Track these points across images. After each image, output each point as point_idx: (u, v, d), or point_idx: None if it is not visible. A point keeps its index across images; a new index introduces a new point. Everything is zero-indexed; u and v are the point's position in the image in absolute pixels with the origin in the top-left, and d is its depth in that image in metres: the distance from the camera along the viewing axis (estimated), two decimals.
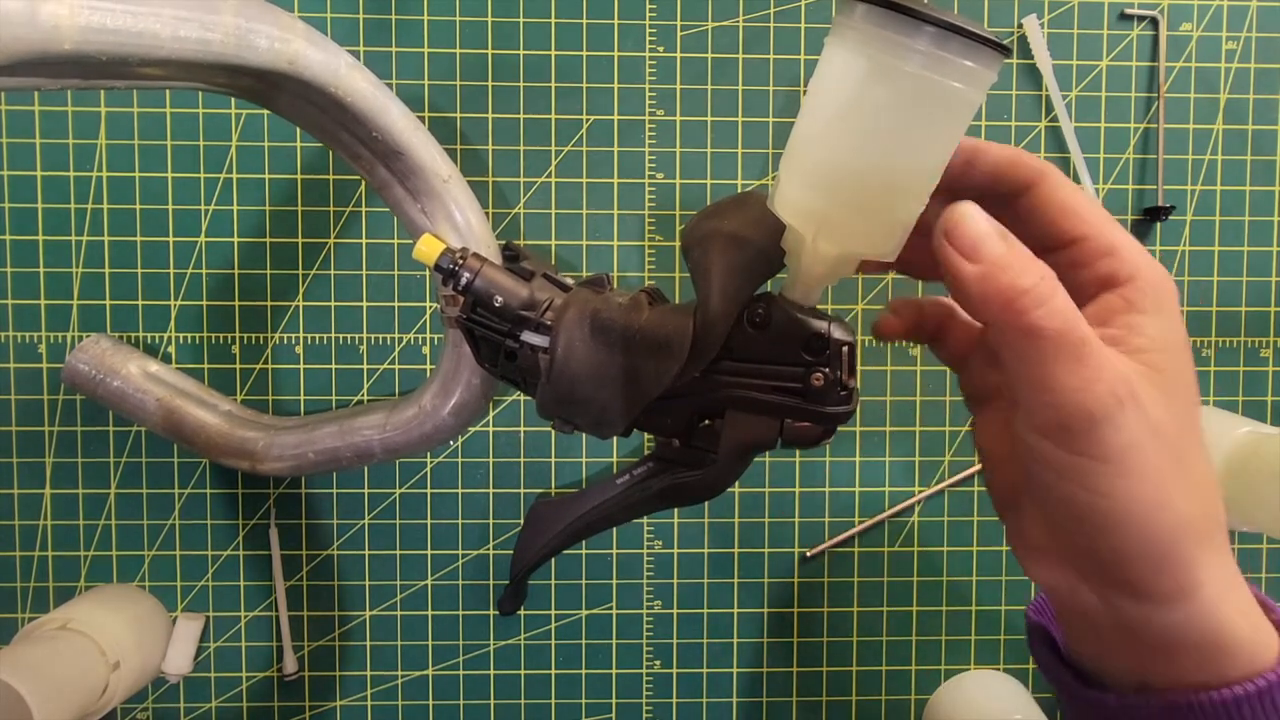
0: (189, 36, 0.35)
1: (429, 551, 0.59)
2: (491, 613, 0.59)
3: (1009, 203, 0.29)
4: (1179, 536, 0.25)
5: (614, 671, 0.59)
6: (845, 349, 0.32)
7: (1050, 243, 0.28)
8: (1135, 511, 0.25)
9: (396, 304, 0.58)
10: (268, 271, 0.58)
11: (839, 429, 0.34)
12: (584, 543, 0.58)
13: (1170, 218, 0.59)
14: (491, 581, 0.59)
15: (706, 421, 0.36)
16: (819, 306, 0.33)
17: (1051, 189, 0.28)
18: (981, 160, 0.30)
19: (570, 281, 0.38)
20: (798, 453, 0.60)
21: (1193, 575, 0.25)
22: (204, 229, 0.57)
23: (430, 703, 0.59)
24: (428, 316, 0.58)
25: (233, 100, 0.57)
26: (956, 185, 0.30)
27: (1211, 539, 0.26)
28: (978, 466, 0.59)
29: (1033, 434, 0.26)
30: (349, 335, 0.58)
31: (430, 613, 0.59)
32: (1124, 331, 0.26)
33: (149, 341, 0.57)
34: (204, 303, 0.57)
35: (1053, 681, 0.30)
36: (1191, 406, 0.26)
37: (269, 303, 0.58)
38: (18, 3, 0.29)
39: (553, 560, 0.51)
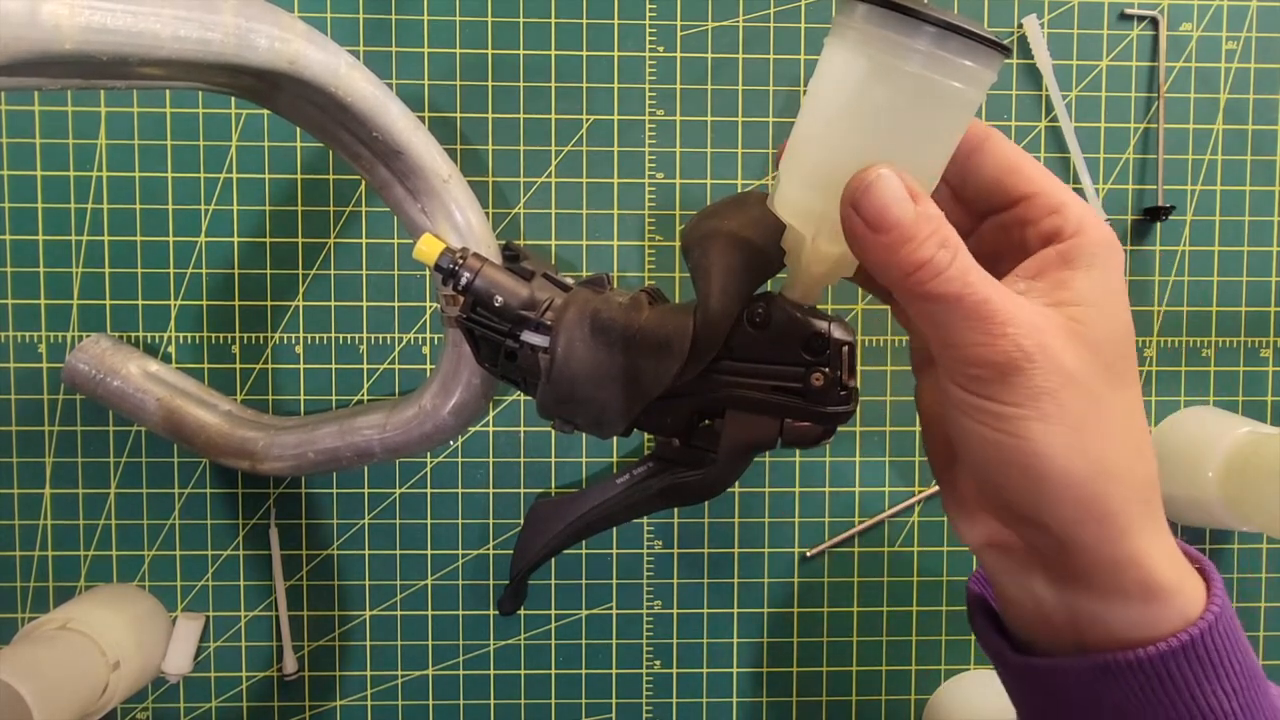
0: (189, 36, 0.35)
1: (429, 551, 0.59)
2: (491, 613, 0.59)
3: (958, 160, 0.30)
4: (1099, 482, 0.25)
5: (614, 671, 0.59)
6: (845, 349, 0.32)
7: (1000, 201, 0.29)
8: (1051, 454, 0.25)
9: (396, 304, 0.58)
10: (268, 271, 0.58)
11: (839, 429, 0.34)
12: (584, 543, 0.58)
13: (1170, 218, 0.59)
14: (491, 581, 0.59)
15: (706, 421, 0.36)
16: (819, 306, 0.33)
17: (997, 151, 0.29)
18: None
19: (570, 281, 0.38)
20: (798, 453, 0.60)
21: (1115, 522, 0.26)
22: (204, 229, 0.57)
23: (430, 703, 0.59)
24: (428, 316, 0.58)
25: (233, 100, 0.57)
26: None
27: (1138, 491, 0.26)
28: None
29: (950, 385, 0.27)
30: (349, 335, 0.58)
31: (430, 613, 0.59)
32: (1052, 285, 0.27)
33: (149, 341, 0.57)
34: (204, 303, 0.58)
35: (987, 651, 0.31)
36: (1117, 360, 0.26)
37: (269, 303, 0.58)
38: (18, 3, 0.29)
39: (553, 560, 0.51)
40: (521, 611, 0.59)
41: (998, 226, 0.30)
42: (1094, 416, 0.25)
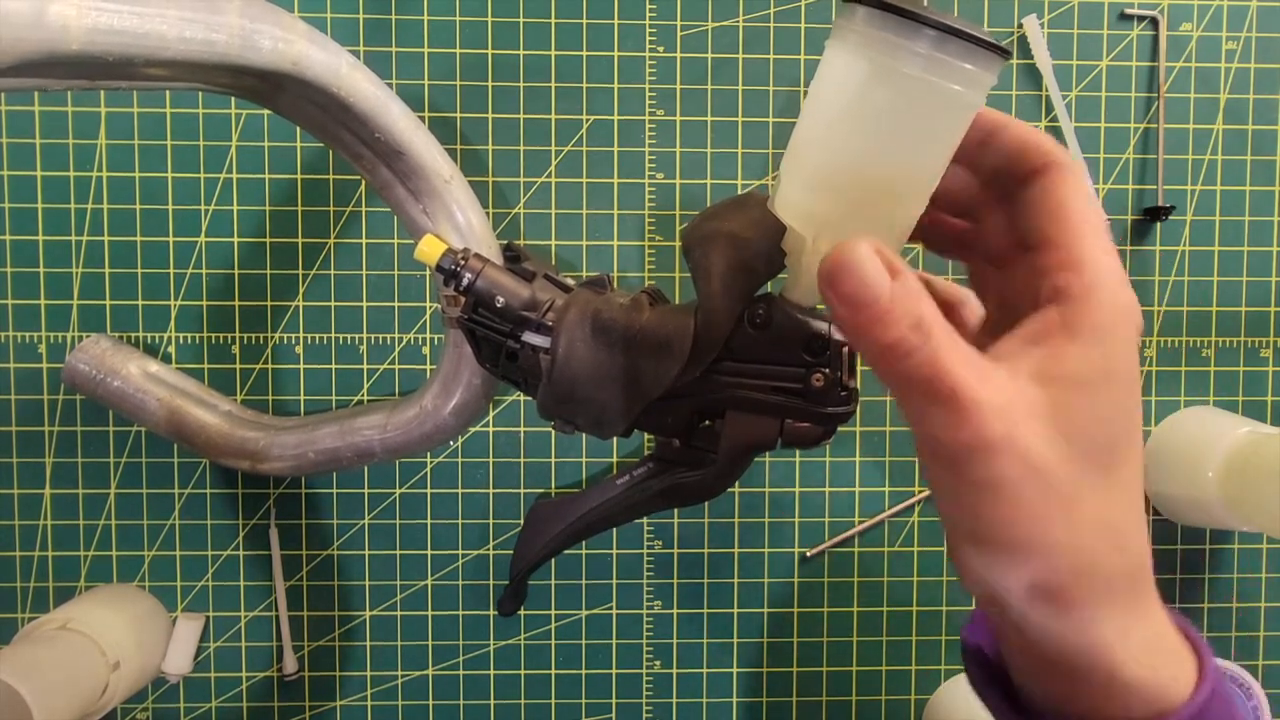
0: (194, 37, 0.35)
1: (429, 551, 0.59)
2: (491, 613, 0.59)
3: (1015, 189, 0.29)
4: (1059, 574, 0.24)
5: (614, 671, 0.59)
6: (845, 349, 0.32)
7: (1030, 240, 0.27)
8: (1006, 541, 0.24)
9: (396, 304, 0.58)
10: (268, 271, 0.58)
11: (839, 429, 0.34)
12: (584, 543, 0.58)
13: (1170, 218, 0.59)
14: (491, 581, 0.59)
15: (707, 422, 0.36)
16: (819, 307, 0.33)
17: (1051, 186, 0.27)
18: (998, 140, 0.29)
19: (571, 282, 0.38)
20: (798, 453, 0.60)
21: (1077, 612, 0.24)
22: (204, 229, 0.57)
23: (430, 703, 0.59)
24: (428, 316, 0.58)
25: (233, 100, 0.57)
26: (973, 160, 0.30)
27: (1111, 582, 0.25)
28: None
29: (919, 454, 0.26)
30: (349, 335, 0.58)
31: (430, 613, 0.59)
32: (1046, 356, 0.25)
33: (149, 341, 0.57)
34: (204, 303, 0.58)
35: (982, 701, 0.30)
36: (1103, 448, 0.24)
37: (269, 303, 0.58)
38: (25, 4, 0.29)
39: (553, 560, 0.51)
40: (521, 611, 0.59)
41: (1030, 269, 0.27)
42: (1059, 508, 0.24)
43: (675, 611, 0.60)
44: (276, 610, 0.58)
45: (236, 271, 0.58)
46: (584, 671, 0.59)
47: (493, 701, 0.59)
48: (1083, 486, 0.24)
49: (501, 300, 0.35)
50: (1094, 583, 0.24)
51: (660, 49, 0.58)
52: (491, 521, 0.59)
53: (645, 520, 0.59)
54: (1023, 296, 0.27)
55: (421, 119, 0.48)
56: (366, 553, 0.58)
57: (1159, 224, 0.60)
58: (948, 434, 0.24)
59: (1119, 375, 0.25)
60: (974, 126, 0.28)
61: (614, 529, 0.58)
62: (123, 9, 0.32)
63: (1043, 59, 0.58)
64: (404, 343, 0.58)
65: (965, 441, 0.24)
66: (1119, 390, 0.25)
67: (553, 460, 0.59)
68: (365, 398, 0.58)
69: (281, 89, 0.42)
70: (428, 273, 0.58)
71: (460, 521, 0.59)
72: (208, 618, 0.58)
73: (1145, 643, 0.25)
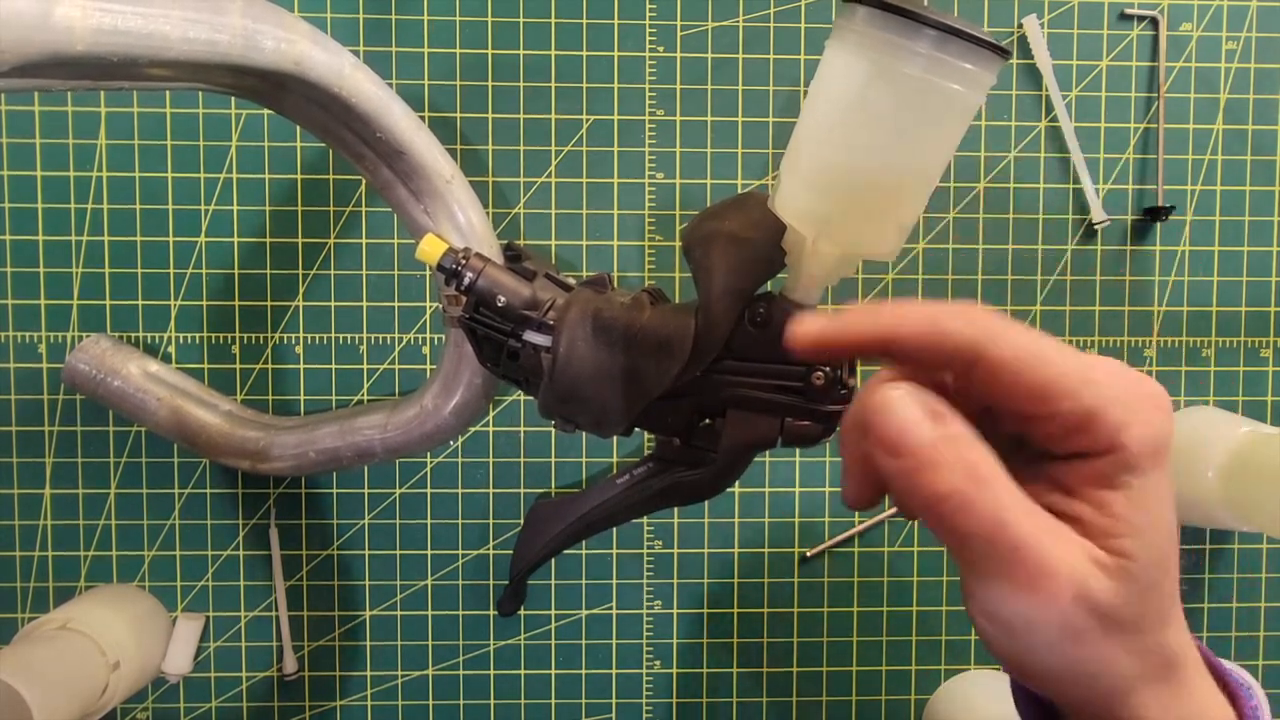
0: (198, 38, 0.35)
1: (429, 551, 0.59)
2: (491, 613, 0.59)
3: (961, 382, 0.25)
4: (1126, 699, 0.24)
5: (614, 671, 0.59)
6: None
7: (1019, 416, 0.24)
8: (1070, 685, 0.24)
9: (396, 304, 0.58)
10: (268, 271, 0.58)
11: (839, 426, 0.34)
12: (584, 543, 0.58)
13: (1170, 218, 0.59)
14: (491, 581, 0.59)
15: (707, 421, 0.36)
16: (819, 306, 0.33)
17: (993, 366, 0.23)
18: (899, 348, 0.25)
19: (572, 281, 0.38)
20: (798, 452, 0.60)
21: (1120, 704, 0.24)
22: (204, 229, 0.57)
23: (430, 703, 0.59)
24: (428, 316, 0.58)
25: (233, 100, 0.57)
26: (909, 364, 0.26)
27: (1145, 676, 0.24)
28: None
29: (974, 610, 0.24)
30: (349, 335, 0.58)
31: (430, 613, 0.59)
32: (1091, 508, 0.23)
33: (149, 341, 0.57)
34: (204, 303, 0.57)
35: None
36: (1161, 580, 0.23)
37: (269, 303, 0.58)
38: (31, 5, 0.29)
39: (553, 560, 0.51)
40: (521, 611, 0.59)
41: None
42: (1117, 642, 0.23)
43: (675, 611, 0.60)
44: (276, 610, 0.58)
45: (236, 271, 0.57)
46: (584, 671, 0.59)
47: (493, 701, 0.59)
48: (1142, 618, 0.23)
49: (503, 299, 0.35)
50: (1135, 681, 0.24)
51: (660, 49, 0.58)
52: (491, 521, 0.59)
53: (645, 520, 0.59)
54: (1012, 442, 0.25)
55: (422, 119, 0.48)
56: (366, 553, 0.58)
57: (1159, 224, 0.60)
58: (1014, 602, 0.23)
59: (1163, 505, 0.23)
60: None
61: (614, 529, 0.58)
62: (127, 10, 0.32)
63: (1043, 59, 0.58)
64: (404, 343, 0.58)
65: (1033, 604, 0.22)
66: (1166, 520, 0.23)
67: (553, 460, 0.59)
68: (365, 398, 0.58)
69: (284, 89, 0.42)
70: (428, 273, 0.58)
71: (460, 521, 0.59)
72: (208, 618, 0.58)
73: (1187, 715, 0.25)
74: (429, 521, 0.59)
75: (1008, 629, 0.23)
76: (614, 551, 0.59)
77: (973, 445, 0.23)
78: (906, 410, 0.23)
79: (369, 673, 0.59)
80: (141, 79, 0.36)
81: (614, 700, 0.59)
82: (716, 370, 0.33)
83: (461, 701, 0.59)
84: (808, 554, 0.59)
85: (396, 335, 0.58)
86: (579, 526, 0.40)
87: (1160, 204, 0.59)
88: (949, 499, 0.22)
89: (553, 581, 0.59)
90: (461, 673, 0.59)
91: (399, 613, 0.59)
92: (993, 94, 0.58)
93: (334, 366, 0.58)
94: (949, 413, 0.24)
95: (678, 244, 0.58)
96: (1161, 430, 0.23)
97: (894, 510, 0.59)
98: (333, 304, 0.58)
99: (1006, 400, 0.24)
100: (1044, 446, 0.24)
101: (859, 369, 0.44)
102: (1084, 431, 0.23)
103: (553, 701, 0.59)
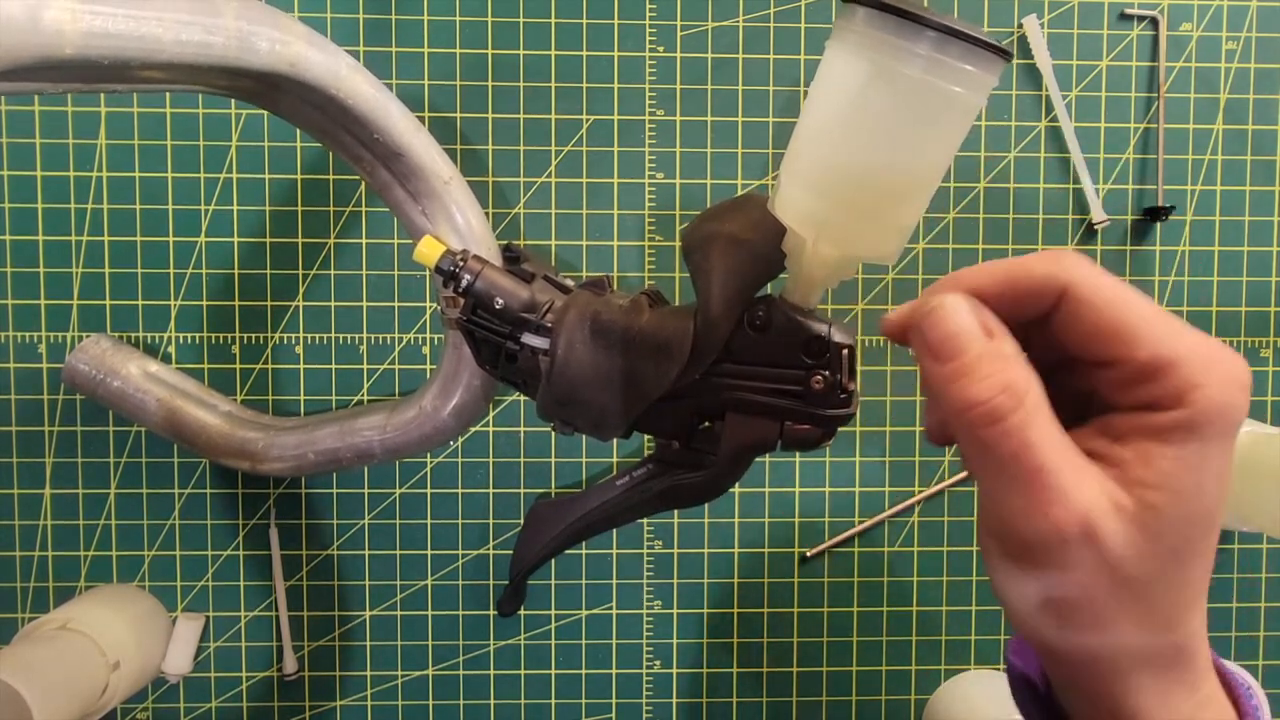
0: (190, 40, 0.35)
1: (429, 551, 0.59)
2: (491, 613, 0.59)
3: (1045, 322, 0.25)
4: (1099, 663, 0.24)
5: (614, 671, 0.59)
6: (845, 351, 0.32)
7: (1093, 361, 0.24)
8: (1067, 620, 0.24)
9: (396, 304, 0.58)
10: (268, 271, 0.58)
11: (839, 430, 0.34)
12: (584, 543, 0.58)
13: (1170, 218, 0.59)
14: (491, 581, 0.59)
15: (706, 423, 0.36)
16: (819, 308, 0.33)
17: (1077, 304, 0.24)
18: (983, 293, 0.25)
19: (571, 283, 0.38)
20: (797, 453, 0.60)
21: (1120, 684, 0.24)
22: (204, 229, 0.57)
23: (430, 703, 0.59)
24: (428, 316, 0.58)
25: (232, 100, 0.57)
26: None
27: (1156, 668, 0.24)
28: None
29: (983, 531, 0.25)
30: (349, 335, 0.58)
31: (430, 613, 0.59)
32: (1134, 456, 0.23)
33: (149, 341, 0.57)
34: (204, 303, 0.57)
35: None
36: (1188, 556, 0.23)
37: (269, 303, 0.58)
38: (20, 8, 0.29)
39: (553, 560, 0.51)
40: (521, 611, 0.59)
41: (1098, 378, 0.25)
42: (1129, 603, 0.23)
43: (675, 611, 0.60)
44: (276, 610, 0.58)
45: (236, 271, 0.57)
46: (584, 671, 0.59)
47: (493, 701, 0.59)
48: (1155, 584, 0.23)
49: (500, 302, 0.35)
50: (1139, 674, 0.24)
51: (660, 49, 0.58)
52: (491, 521, 0.59)
53: (645, 520, 0.59)
54: (1090, 392, 0.25)
55: (421, 119, 0.48)
56: (366, 553, 0.59)
57: (1159, 224, 0.59)
58: (1022, 521, 0.23)
59: (1213, 475, 0.23)
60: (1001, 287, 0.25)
61: (614, 529, 0.58)
62: (118, 12, 0.32)
63: (1043, 59, 0.58)
64: (404, 343, 0.58)
65: (1041, 531, 0.23)
66: (1209, 494, 0.23)
67: (553, 460, 0.59)
68: (365, 398, 0.58)
69: (280, 91, 0.42)
70: (427, 273, 0.58)
71: (460, 521, 0.59)
72: (208, 618, 0.58)
73: (1186, 712, 0.25)
74: (429, 521, 0.59)
75: (1015, 557, 0.23)
76: (614, 551, 0.59)
77: (1017, 364, 0.23)
78: (959, 317, 0.24)
79: (369, 673, 0.59)
80: (135, 81, 0.36)
81: (614, 700, 0.59)
82: (715, 373, 0.33)
83: (461, 701, 0.59)
84: (808, 554, 0.59)
85: (396, 335, 0.58)
86: (579, 527, 0.40)
87: (1160, 204, 0.59)
88: (981, 409, 0.23)
89: (553, 581, 0.59)
90: (461, 673, 0.59)
91: (399, 613, 0.59)
92: (993, 94, 0.58)
93: (334, 366, 0.58)
94: (1001, 331, 0.24)
95: (678, 244, 0.58)
96: (1233, 403, 0.22)
97: (894, 510, 0.59)
98: (333, 304, 0.58)
99: (1085, 342, 0.24)
100: (1109, 397, 0.24)
101: (859, 372, 0.44)
102: (1154, 381, 0.23)
103: (553, 701, 0.59)
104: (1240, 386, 0.23)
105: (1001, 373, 0.23)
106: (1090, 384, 0.25)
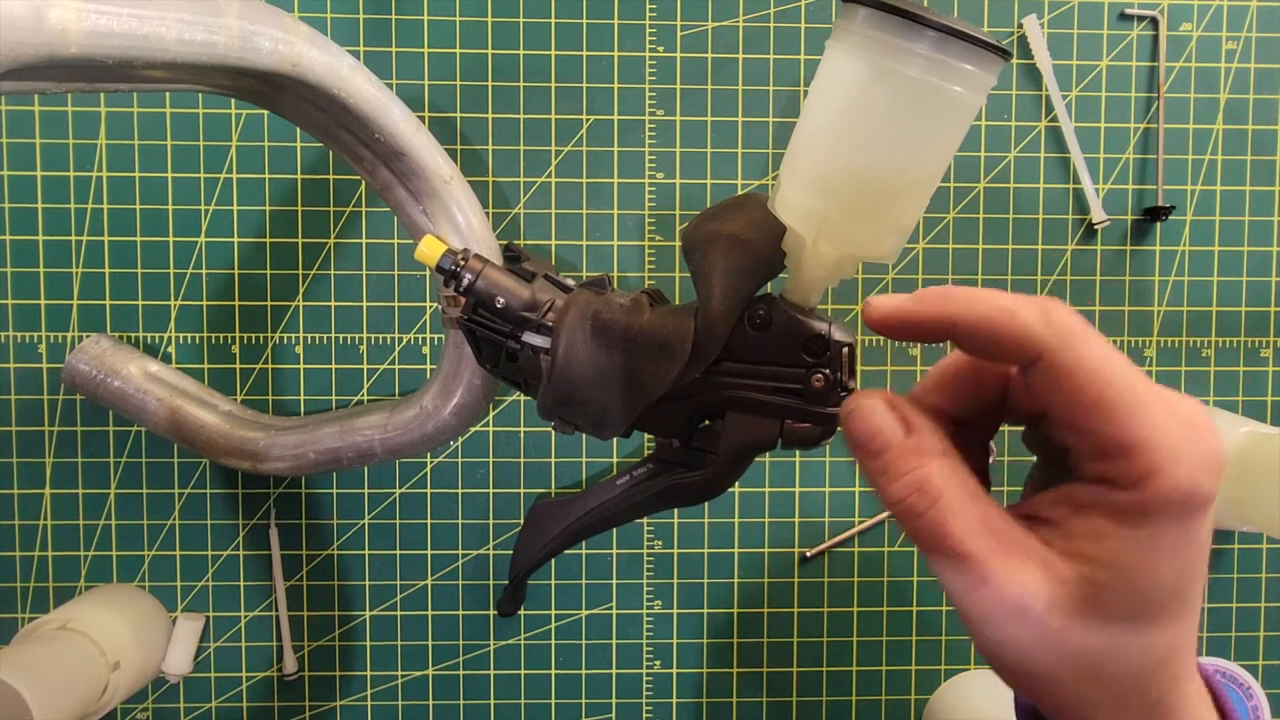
0: (194, 39, 0.35)
1: (429, 551, 0.59)
2: (491, 613, 0.59)
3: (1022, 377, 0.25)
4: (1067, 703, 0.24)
5: (614, 671, 0.59)
6: (845, 350, 0.32)
7: (1067, 425, 0.24)
8: (1014, 681, 0.25)
9: (396, 304, 0.58)
10: (268, 271, 0.58)
11: (839, 429, 0.34)
12: (584, 543, 0.58)
13: (1170, 218, 0.59)
14: (491, 581, 0.59)
15: (707, 422, 0.36)
16: (819, 307, 0.33)
17: (1055, 369, 0.24)
18: (966, 331, 0.25)
19: (571, 283, 0.38)
20: (797, 453, 0.60)
21: None
22: (204, 229, 0.57)
23: (430, 703, 0.59)
24: (428, 316, 0.58)
25: (233, 100, 0.57)
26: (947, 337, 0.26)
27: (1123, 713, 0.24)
28: None
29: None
30: (349, 335, 0.58)
31: (430, 613, 0.59)
32: (1086, 530, 0.23)
33: (149, 341, 0.57)
34: (204, 303, 0.58)
35: None
36: (1144, 624, 0.23)
37: (269, 303, 0.58)
38: (25, 8, 0.29)
39: (553, 560, 0.51)
40: (521, 611, 0.59)
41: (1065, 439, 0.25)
42: (1075, 672, 0.24)
43: (675, 611, 0.60)
44: (276, 610, 0.58)
45: (236, 271, 0.57)
46: (584, 671, 0.59)
47: (493, 701, 0.59)
48: (1111, 650, 0.23)
49: (502, 301, 0.35)
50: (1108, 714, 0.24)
51: (660, 49, 0.58)
52: (491, 521, 0.59)
53: (645, 520, 0.59)
54: (1062, 453, 0.25)
55: (421, 119, 0.48)
56: (366, 553, 0.59)
57: (1159, 224, 0.60)
58: (960, 597, 0.24)
59: (1165, 558, 0.23)
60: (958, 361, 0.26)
61: (614, 529, 0.58)
62: (122, 12, 0.32)
63: (1043, 59, 0.58)
64: (404, 343, 0.58)
65: (977, 607, 0.24)
66: (1162, 573, 0.23)
67: (553, 460, 0.59)
68: (365, 398, 0.58)
69: (282, 90, 0.42)
70: (428, 273, 0.58)
71: (460, 521, 0.59)
72: (208, 618, 0.58)
73: None
74: (429, 521, 0.59)
75: (963, 616, 0.25)
76: (614, 551, 0.59)
77: (930, 458, 0.25)
78: (877, 416, 0.25)
79: (369, 673, 0.59)
80: (138, 81, 0.36)
81: (614, 700, 0.59)
82: (716, 372, 0.33)
83: (461, 701, 0.59)
84: (808, 554, 0.59)
85: (396, 335, 0.58)
86: (579, 527, 0.40)
87: (1160, 204, 0.59)
88: (900, 505, 0.24)
89: (553, 581, 0.59)
90: (461, 673, 0.59)
91: (399, 613, 0.59)
92: (993, 94, 0.58)
93: (334, 366, 0.58)
94: (921, 425, 0.25)
95: (678, 244, 0.58)
96: (1198, 489, 0.22)
97: None
98: (333, 304, 0.58)
99: (1058, 406, 0.24)
100: (1076, 463, 0.24)
101: (859, 370, 0.44)
102: (1117, 459, 0.23)
103: (553, 701, 0.59)
104: (1210, 470, 0.22)
105: (916, 470, 0.24)
106: (1066, 439, 0.25)
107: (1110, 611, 0.23)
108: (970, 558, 0.23)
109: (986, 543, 0.24)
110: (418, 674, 0.59)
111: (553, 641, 0.59)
